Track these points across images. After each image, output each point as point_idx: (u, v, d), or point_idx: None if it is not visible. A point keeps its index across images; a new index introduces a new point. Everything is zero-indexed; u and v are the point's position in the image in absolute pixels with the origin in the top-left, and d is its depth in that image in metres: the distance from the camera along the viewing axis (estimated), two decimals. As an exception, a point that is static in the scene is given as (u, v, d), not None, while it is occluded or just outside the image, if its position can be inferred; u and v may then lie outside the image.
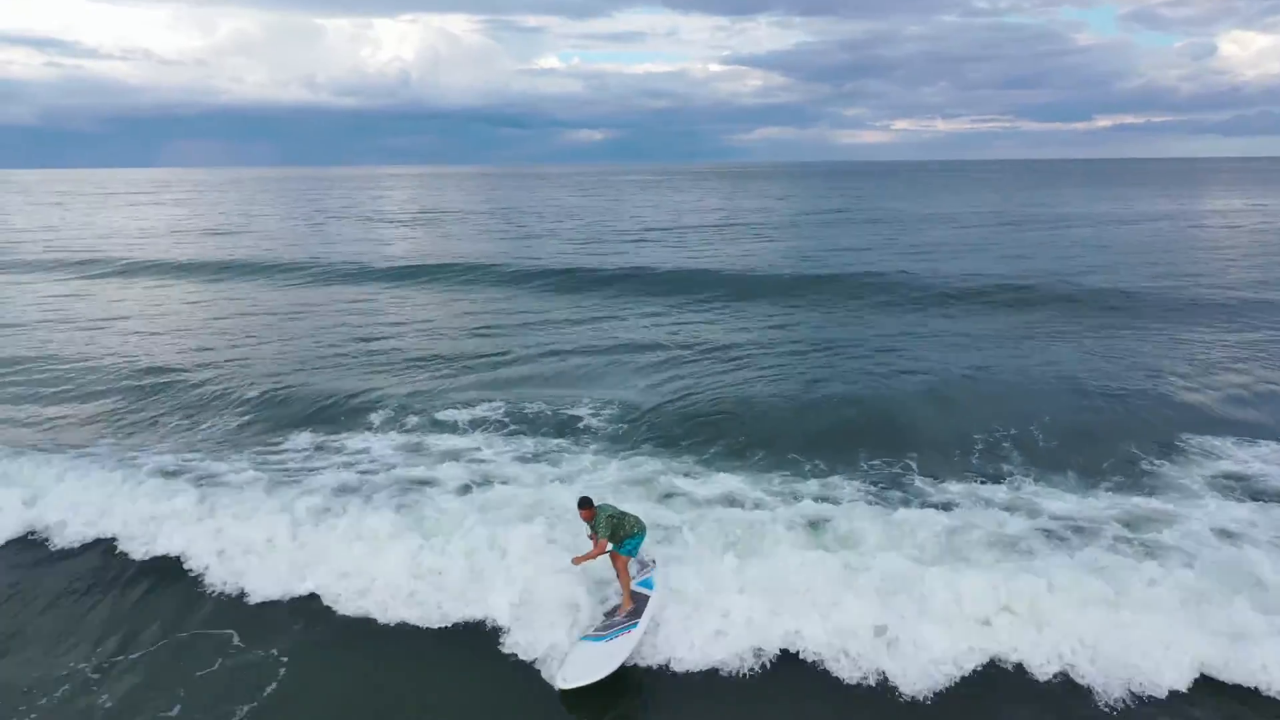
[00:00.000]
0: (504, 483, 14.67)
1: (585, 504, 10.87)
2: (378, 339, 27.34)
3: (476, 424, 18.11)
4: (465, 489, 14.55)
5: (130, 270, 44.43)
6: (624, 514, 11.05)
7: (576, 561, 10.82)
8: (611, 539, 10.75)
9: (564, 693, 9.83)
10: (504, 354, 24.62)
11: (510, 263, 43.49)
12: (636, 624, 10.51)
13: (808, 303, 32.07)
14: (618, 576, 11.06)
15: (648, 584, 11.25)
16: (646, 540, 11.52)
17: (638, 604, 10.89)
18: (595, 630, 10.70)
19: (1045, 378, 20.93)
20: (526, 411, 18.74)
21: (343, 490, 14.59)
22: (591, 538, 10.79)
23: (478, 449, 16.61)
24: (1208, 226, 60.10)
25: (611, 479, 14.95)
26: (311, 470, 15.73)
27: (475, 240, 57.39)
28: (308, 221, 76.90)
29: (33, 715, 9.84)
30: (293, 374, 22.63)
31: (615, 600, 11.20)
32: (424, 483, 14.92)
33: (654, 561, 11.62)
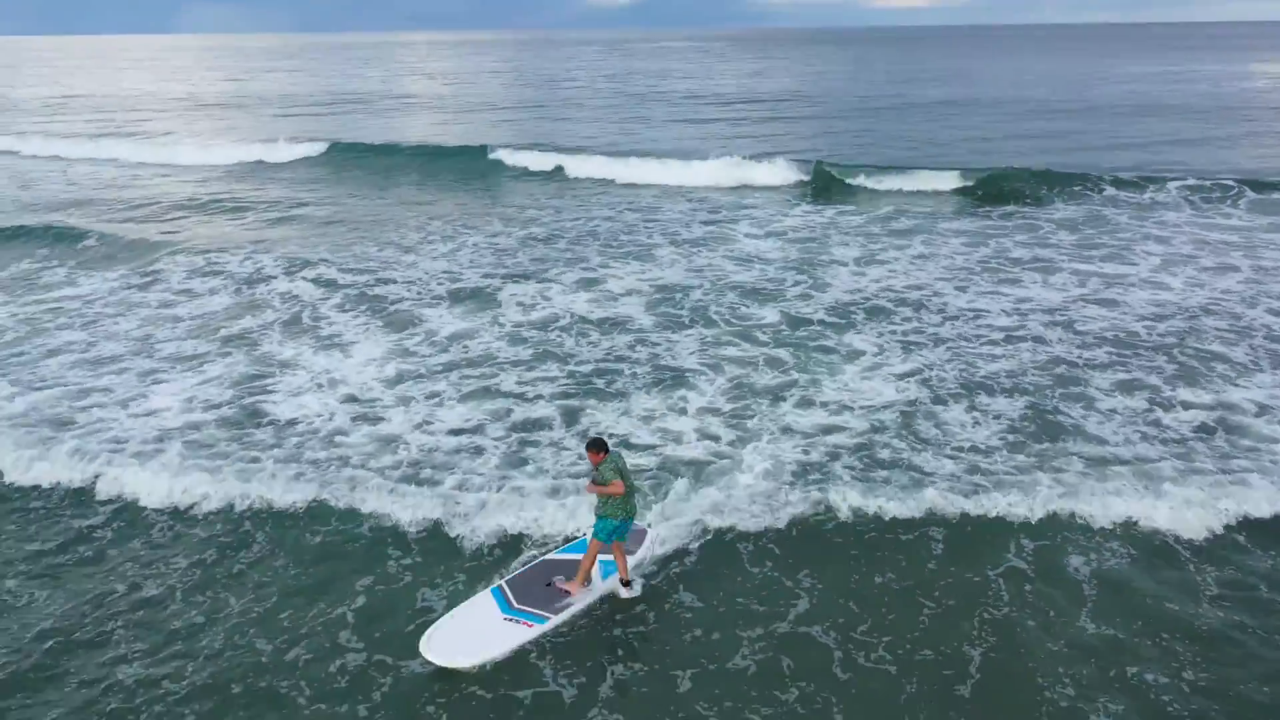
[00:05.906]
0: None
1: (598, 446, 10.11)
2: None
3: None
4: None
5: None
6: (630, 478, 10.22)
7: (589, 489, 10.31)
8: (615, 479, 9.99)
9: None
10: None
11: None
12: (549, 619, 9.64)
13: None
14: (595, 557, 10.22)
15: (609, 569, 10.48)
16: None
17: (586, 590, 10.15)
18: (513, 595, 9.87)
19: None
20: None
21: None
22: (595, 481, 10.13)
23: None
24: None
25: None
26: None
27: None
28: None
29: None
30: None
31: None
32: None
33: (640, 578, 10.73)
